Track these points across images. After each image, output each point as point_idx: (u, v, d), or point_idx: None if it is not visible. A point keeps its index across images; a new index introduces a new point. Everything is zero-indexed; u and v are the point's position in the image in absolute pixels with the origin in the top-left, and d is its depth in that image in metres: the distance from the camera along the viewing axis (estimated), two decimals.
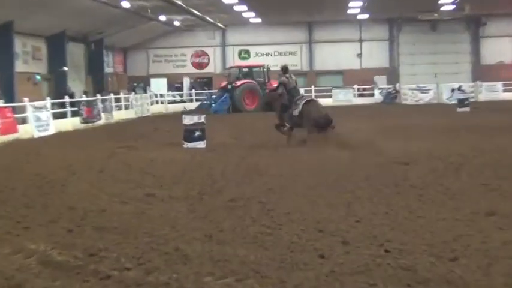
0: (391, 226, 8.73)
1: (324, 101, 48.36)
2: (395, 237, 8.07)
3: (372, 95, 51.37)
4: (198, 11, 41.44)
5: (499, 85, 49.82)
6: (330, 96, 50.21)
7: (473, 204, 9.90)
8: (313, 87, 50.87)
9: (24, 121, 27.21)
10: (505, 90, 49.61)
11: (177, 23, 49.89)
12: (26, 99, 27.42)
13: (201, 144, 19.42)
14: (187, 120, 19.72)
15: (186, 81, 53.92)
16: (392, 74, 52.74)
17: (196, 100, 49.10)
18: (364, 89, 52.10)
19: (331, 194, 11.20)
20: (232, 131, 21.37)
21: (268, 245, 7.88)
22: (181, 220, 9.42)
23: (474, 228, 8.42)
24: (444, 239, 7.93)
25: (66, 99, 32.22)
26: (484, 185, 11.62)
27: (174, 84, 53.77)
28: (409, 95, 48.73)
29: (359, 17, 50.33)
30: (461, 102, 36.78)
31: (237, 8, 44.00)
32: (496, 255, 7.16)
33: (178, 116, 31.76)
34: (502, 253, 7.23)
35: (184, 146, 19.43)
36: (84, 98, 34.21)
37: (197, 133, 19.55)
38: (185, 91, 52.87)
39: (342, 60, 54.53)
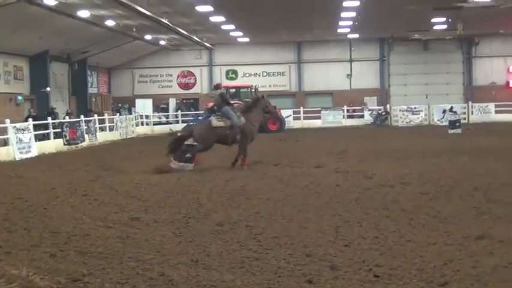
0: (381, 250, 8.68)
1: (313, 123, 48.70)
2: (385, 262, 8.01)
3: (362, 116, 51.33)
4: (185, 30, 41.26)
5: (491, 106, 49.90)
6: (319, 118, 50.25)
7: (464, 228, 9.86)
8: (301, 109, 50.78)
9: (5, 143, 26.91)
10: (497, 112, 49.59)
11: (163, 43, 49.77)
12: (7, 120, 27.16)
13: (189, 167, 19.26)
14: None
15: (172, 102, 53.78)
16: (382, 94, 52.70)
17: (183, 121, 48.93)
18: (354, 110, 52.08)
19: (320, 217, 11.12)
20: (218, 154, 21.16)
21: (255, 270, 7.81)
22: (167, 245, 9.31)
23: (465, 253, 8.38)
24: (434, 263, 7.88)
25: (49, 120, 31.91)
26: (475, 208, 11.59)
27: (160, 105, 53.65)
28: (400, 116, 48.72)
29: (349, 36, 50.29)
30: (453, 124, 36.80)
31: (224, 27, 43.81)
32: (486, 280, 7.12)
33: (163, 137, 31.68)
34: (492, 278, 7.18)
35: (172, 164, 19.24)
36: (67, 119, 33.91)
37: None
38: (171, 112, 52.77)
39: (332, 80, 54.23)
